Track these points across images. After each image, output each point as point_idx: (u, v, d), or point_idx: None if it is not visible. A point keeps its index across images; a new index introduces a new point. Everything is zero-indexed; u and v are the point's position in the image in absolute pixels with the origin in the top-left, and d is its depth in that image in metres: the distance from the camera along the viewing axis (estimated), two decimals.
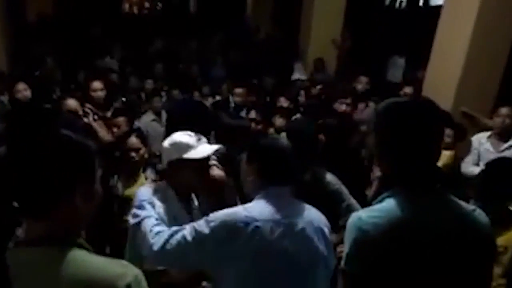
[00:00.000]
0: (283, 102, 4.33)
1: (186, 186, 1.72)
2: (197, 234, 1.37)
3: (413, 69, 5.70)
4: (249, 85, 4.78)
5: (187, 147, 1.63)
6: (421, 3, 6.90)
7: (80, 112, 3.15)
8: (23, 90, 3.66)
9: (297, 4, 7.19)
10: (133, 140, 2.53)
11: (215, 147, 1.71)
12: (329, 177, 2.30)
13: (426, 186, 1.19)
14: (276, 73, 6.20)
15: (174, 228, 1.45)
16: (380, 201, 1.20)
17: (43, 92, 4.33)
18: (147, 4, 12.35)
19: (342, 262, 1.17)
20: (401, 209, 1.15)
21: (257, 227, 1.34)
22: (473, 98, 3.96)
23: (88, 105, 3.30)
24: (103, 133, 3.14)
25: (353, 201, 2.27)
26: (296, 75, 6.35)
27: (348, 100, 4.04)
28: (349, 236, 1.16)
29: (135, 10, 11.82)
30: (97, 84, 3.60)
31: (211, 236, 1.35)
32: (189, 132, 1.69)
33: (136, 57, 6.76)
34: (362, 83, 4.47)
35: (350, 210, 2.10)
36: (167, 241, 1.41)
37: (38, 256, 0.91)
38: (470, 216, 1.20)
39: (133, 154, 2.51)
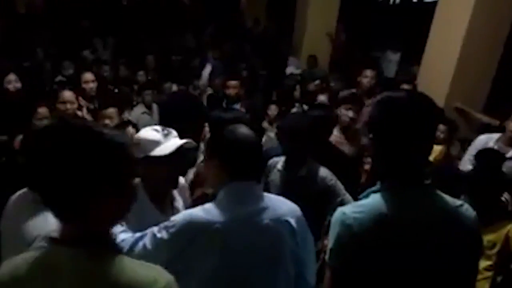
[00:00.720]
0: (273, 110, 4.26)
1: (158, 184, 1.63)
2: (157, 241, 1.33)
3: (407, 65, 5.70)
4: (240, 78, 4.74)
5: (153, 143, 1.54)
6: None
7: (76, 105, 3.11)
8: (14, 81, 3.61)
9: None
10: (131, 130, 2.56)
11: (183, 141, 1.59)
12: (325, 172, 2.27)
13: (414, 181, 1.19)
14: (270, 66, 6.15)
15: (137, 235, 1.40)
16: (366, 196, 1.20)
17: (33, 84, 4.28)
18: None
19: (326, 256, 1.17)
20: (385, 205, 1.14)
21: (217, 228, 1.30)
22: (466, 95, 3.97)
23: (79, 98, 3.26)
24: None
25: (348, 196, 2.24)
26: (291, 69, 6.32)
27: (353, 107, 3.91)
28: (333, 230, 1.17)
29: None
30: (88, 76, 3.56)
31: (171, 242, 1.32)
32: (156, 127, 1.61)
33: (129, 48, 6.68)
34: (368, 77, 4.01)
35: (343, 205, 2.07)
36: (130, 248, 1.36)
37: (67, 256, 0.87)
38: (456, 211, 1.19)
39: None
